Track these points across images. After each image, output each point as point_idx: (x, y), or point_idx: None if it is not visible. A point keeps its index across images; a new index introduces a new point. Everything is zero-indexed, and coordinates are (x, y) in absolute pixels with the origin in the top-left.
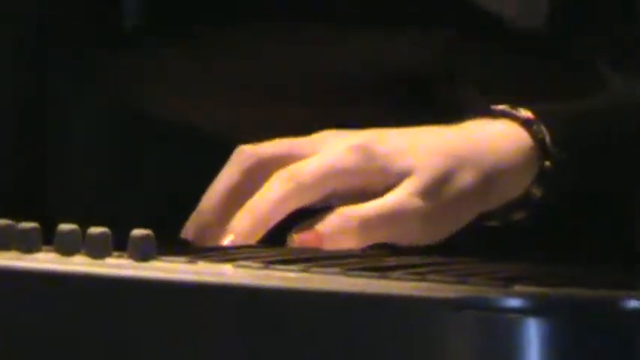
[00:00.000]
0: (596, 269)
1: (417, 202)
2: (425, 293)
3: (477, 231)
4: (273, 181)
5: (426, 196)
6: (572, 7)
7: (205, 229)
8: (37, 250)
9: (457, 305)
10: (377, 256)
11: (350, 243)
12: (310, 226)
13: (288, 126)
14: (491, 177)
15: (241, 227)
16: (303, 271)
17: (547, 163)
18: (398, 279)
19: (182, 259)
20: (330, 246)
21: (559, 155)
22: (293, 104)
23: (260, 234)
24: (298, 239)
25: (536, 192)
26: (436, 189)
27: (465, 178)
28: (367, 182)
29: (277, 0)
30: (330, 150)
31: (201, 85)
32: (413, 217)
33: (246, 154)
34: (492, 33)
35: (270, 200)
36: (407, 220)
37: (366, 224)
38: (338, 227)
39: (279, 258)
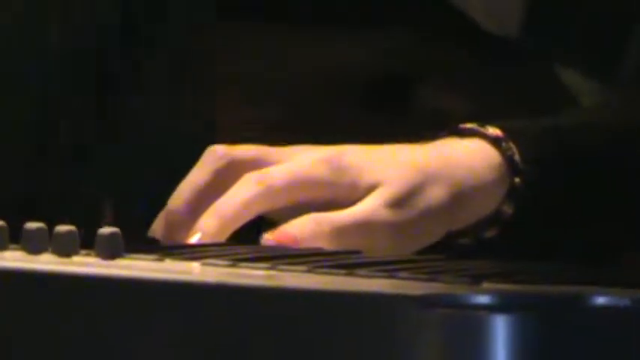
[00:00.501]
0: (564, 266)
1: (388, 213)
2: (392, 290)
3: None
4: (242, 183)
5: (396, 207)
6: (543, 17)
7: (173, 228)
8: (4, 248)
9: (425, 302)
10: (345, 253)
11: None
12: (283, 229)
13: (264, 127)
14: (462, 194)
15: (207, 227)
16: (271, 268)
17: (517, 179)
18: (365, 276)
19: (149, 256)
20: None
21: (529, 172)
22: (271, 106)
23: (226, 234)
24: (270, 241)
25: (507, 209)
26: (406, 201)
27: (436, 193)
28: (335, 195)
29: (255, 2)
30: (300, 160)
31: (176, 82)
32: (383, 227)
33: (217, 154)
34: (461, 40)
35: (237, 201)
36: (378, 229)
37: (338, 231)
38: (310, 232)
39: (246, 256)
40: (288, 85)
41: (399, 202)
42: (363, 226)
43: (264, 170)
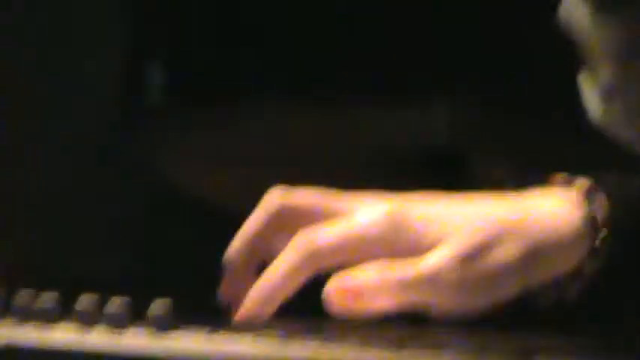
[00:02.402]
0: (615, 340)
1: (456, 268)
2: None
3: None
4: (288, 250)
5: (464, 262)
6: None
7: (228, 280)
8: (58, 320)
9: None
10: (393, 327)
11: (385, 300)
12: (347, 279)
13: None
14: (537, 250)
15: (248, 307)
16: (321, 347)
17: (599, 239)
18: (414, 351)
19: (202, 328)
20: (364, 300)
21: (611, 232)
22: (313, 177)
23: (273, 307)
24: (335, 291)
25: (588, 269)
26: (475, 257)
27: (508, 250)
28: (393, 251)
29: (299, 74)
30: (358, 215)
31: (215, 156)
32: (450, 282)
33: (273, 200)
34: (517, 112)
35: (279, 275)
36: (444, 285)
37: (404, 284)
38: (375, 283)
39: (298, 329)
40: (310, 158)
41: (467, 258)
42: (430, 282)
43: (313, 232)
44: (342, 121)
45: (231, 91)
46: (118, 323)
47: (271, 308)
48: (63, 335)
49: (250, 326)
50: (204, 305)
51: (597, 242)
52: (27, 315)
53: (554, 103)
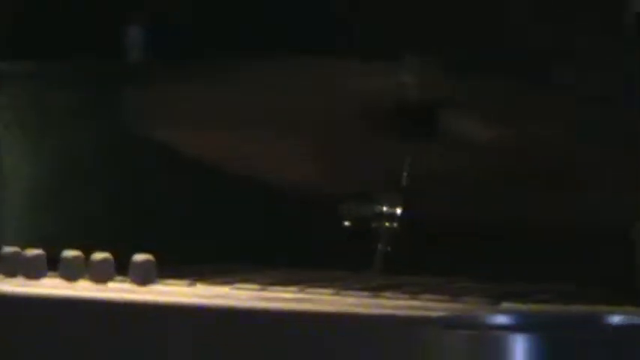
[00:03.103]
0: (581, 286)
1: None
2: (415, 312)
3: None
4: None
5: None
6: None
7: None
8: (43, 276)
9: (444, 323)
10: (370, 275)
11: None
12: None
13: (291, 156)
14: None
15: None
16: (299, 292)
17: None
18: (389, 298)
19: (182, 282)
20: None
21: None
22: (296, 135)
23: None
24: None
25: None
26: None
27: None
28: None
29: (279, 34)
30: None
31: (203, 116)
32: None
33: None
34: (492, 60)
35: None
36: None
37: None
38: None
39: (276, 279)
40: (292, 116)
41: None
42: None
43: None
44: (317, 76)
45: (213, 49)
46: (101, 277)
47: None
48: (48, 288)
49: (229, 278)
50: (186, 259)
51: None
52: (13, 271)
53: (526, 57)
